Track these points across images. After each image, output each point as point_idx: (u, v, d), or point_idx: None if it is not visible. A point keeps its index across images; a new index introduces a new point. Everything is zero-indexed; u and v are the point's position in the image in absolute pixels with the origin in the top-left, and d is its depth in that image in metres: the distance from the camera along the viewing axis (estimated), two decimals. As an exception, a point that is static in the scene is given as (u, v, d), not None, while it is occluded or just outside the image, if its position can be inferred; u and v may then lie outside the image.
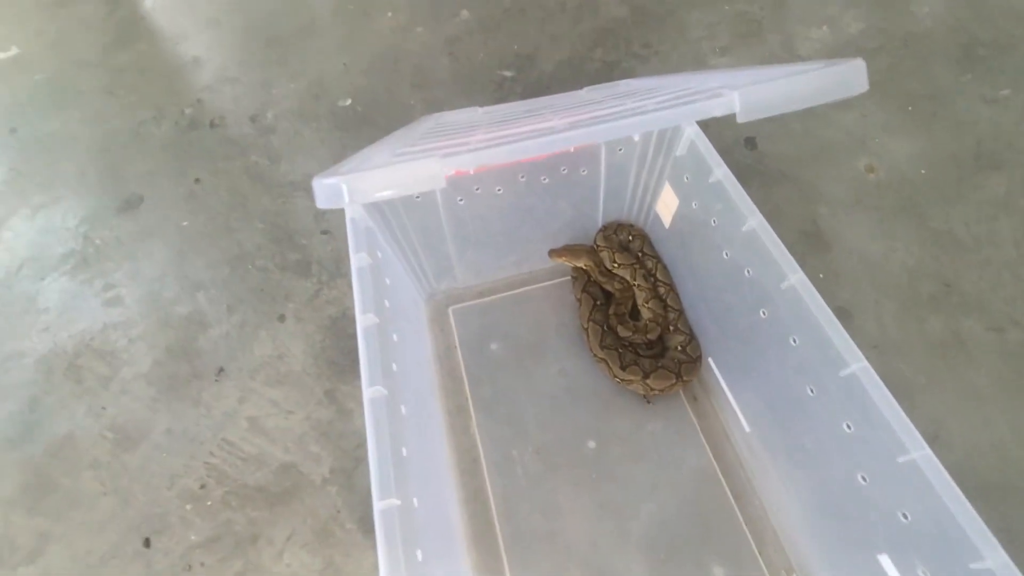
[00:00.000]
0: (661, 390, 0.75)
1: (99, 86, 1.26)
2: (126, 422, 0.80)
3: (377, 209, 0.69)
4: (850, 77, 0.41)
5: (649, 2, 1.31)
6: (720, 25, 1.24)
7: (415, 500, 0.51)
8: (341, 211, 0.78)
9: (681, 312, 0.81)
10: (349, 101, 1.18)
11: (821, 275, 0.87)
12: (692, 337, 0.79)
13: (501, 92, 1.17)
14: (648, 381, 0.74)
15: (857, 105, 1.07)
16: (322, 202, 0.42)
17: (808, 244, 0.91)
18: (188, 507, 0.73)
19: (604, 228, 0.87)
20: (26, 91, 1.26)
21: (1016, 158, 0.98)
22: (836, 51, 1.16)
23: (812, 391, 0.57)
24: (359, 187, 0.41)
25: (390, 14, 1.35)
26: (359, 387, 0.60)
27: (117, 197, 1.06)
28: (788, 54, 1.17)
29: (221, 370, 0.84)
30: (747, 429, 0.70)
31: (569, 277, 0.89)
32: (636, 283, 0.83)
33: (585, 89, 0.88)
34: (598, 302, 0.82)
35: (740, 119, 0.41)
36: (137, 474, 0.76)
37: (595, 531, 0.69)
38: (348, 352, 0.84)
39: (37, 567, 0.70)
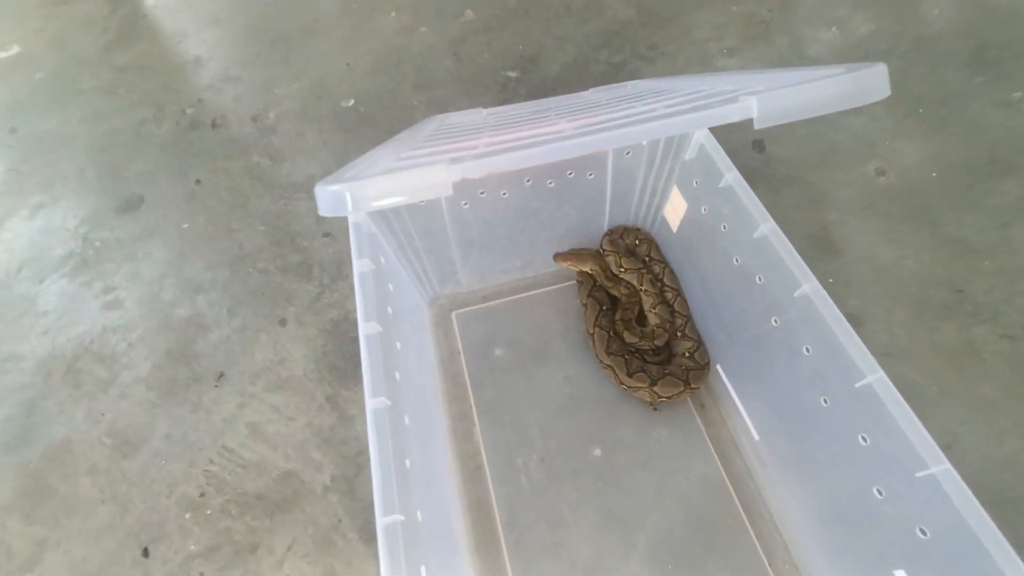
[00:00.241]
0: (668, 397, 0.73)
1: (100, 85, 1.25)
2: (125, 427, 0.79)
3: (380, 213, 0.68)
4: (871, 83, 0.39)
5: (655, 3, 1.29)
6: (727, 26, 1.22)
7: (418, 514, 0.50)
8: (344, 214, 0.76)
9: (689, 318, 0.79)
10: (352, 101, 1.17)
11: (830, 280, 0.86)
12: (700, 343, 0.77)
13: (505, 93, 1.15)
14: (655, 388, 0.73)
15: (866, 108, 1.05)
16: (325, 210, 0.41)
17: (817, 249, 0.89)
18: (187, 515, 0.72)
19: (610, 232, 0.86)
20: (26, 90, 1.25)
21: (1029, 163, 0.96)
22: (845, 53, 1.15)
23: (826, 401, 0.56)
24: (363, 194, 0.40)
25: (394, 14, 1.34)
26: (361, 392, 0.59)
27: (117, 197, 1.05)
28: (796, 56, 1.16)
29: (221, 375, 0.83)
30: (756, 438, 0.69)
31: (575, 281, 0.87)
32: (643, 288, 0.81)
33: (591, 90, 0.87)
34: (604, 307, 0.81)
35: (757, 125, 0.39)
36: (136, 481, 0.75)
37: (600, 541, 0.67)
38: (350, 356, 0.83)
39: (34, 575, 0.69)
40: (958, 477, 0.44)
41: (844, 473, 0.55)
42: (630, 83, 0.90)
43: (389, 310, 0.62)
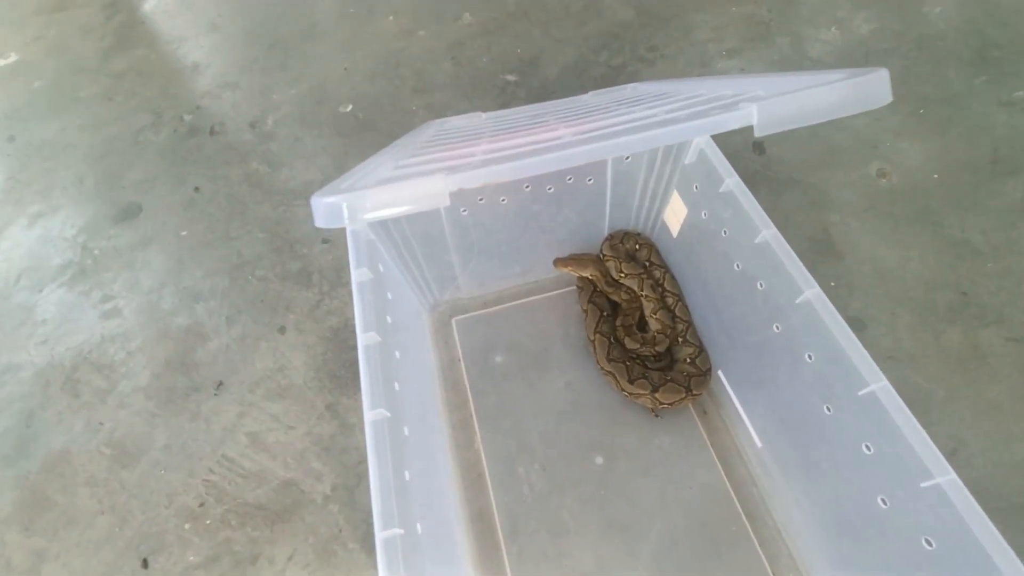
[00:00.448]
0: (670, 404, 0.73)
1: (98, 92, 1.24)
2: (124, 437, 0.78)
3: (378, 221, 0.68)
4: (873, 89, 0.39)
5: (655, 4, 1.29)
6: (727, 27, 1.22)
7: (418, 526, 0.50)
8: (342, 221, 0.76)
9: (690, 323, 0.79)
10: (350, 106, 1.16)
11: (833, 284, 0.85)
12: (701, 349, 0.77)
13: (504, 96, 1.15)
14: (657, 395, 0.72)
15: (868, 108, 1.04)
16: (321, 221, 0.40)
17: (819, 252, 0.88)
18: (187, 526, 0.71)
19: (610, 237, 0.85)
20: (24, 98, 1.25)
21: (1033, 162, 0.95)
22: (846, 53, 1.14)
23: (829, 409, 0.55)
24: (359, 206, 0.39)
25: (392, 18, 1.33)
26: (361, 400, 0.58)
27: (115, 205, 1.04)
28: (798, 56, 1.15)
29: (220, 383, 0.82)
30: (759, 445, 0.68)
31: (575, 287, 0.87)
32: (643, 293, 0.81)
33: (590, 93, 0.86)
34: (605, 313, 0.80)
35: (758, 133, 0.39)
36: (135, 491, 0.74)
37: (603, 550, 0.67)
38: (350, 364, 0.83)
39: (33, 587, 0.69)
40: (964, 487, 0.44)
41: (848, 482, 0.55)
42: (629, 86, 0.89)
43: (388, 319, 0.61)
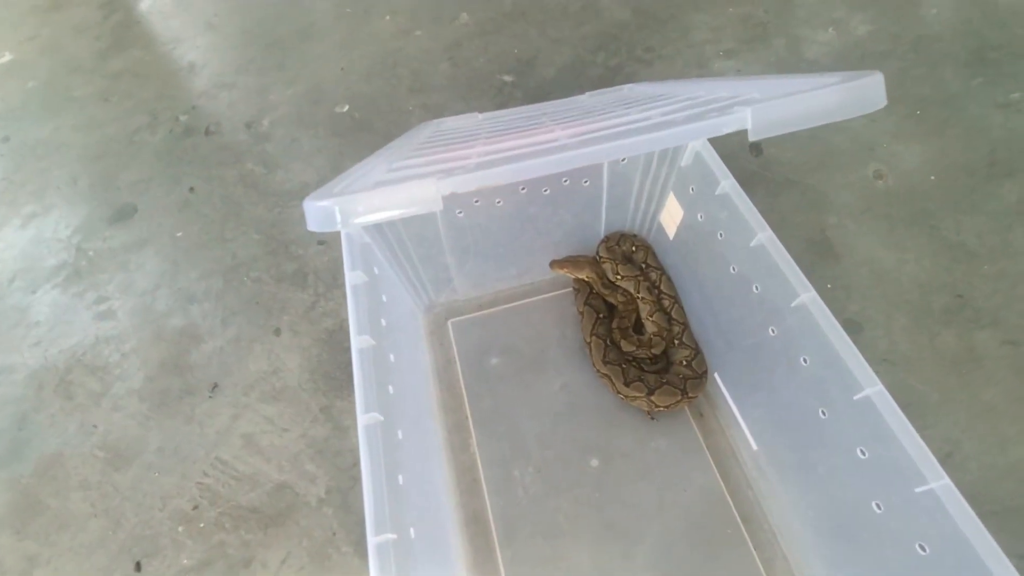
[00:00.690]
0: (666, 406, 0.73)
1: (93, 92, 1.24)
2: (117, 440, 0.78)
3: (372, 224, 0.67)
4: (868, 93, 0.39)
5: (652, 5, 1.29)
6: (724, 28, 1.22)
7: (412, 531, 0.50)
8: (337, 223, 0.75)
9: (686, 326, 0.78)
10: (347, 107, 1.16)
11: (829, 286, 0.85)
12: (697, 351, 0.77)
13: (501, 97, 1.15)
14: (653, 398, 0.72)
15: (865, 110, 1.04)
16: (314, 225, 0.40)
17: (816, 254, 0.88)
18: (180, 529, 0.71)
19: (607, 239, 0.85)
20: (19, 98, 1.24)
21: (1029, 165, 0.95)
22: (843, 54, 1.14)
23: (824, 413, 0.55)
24: (352, 209, 0.39)
25: (388, 18, 1.33)
26: (355, 402, 0.58)
27: (110, 206, 1.04)
28: (794, 58, 1.15)
29: (215, 386, 0.82)
30: (755, 448, 0.68)
31: (571, 289, 0.86)
32: (640, 295, 0.80)
33: (587, 94, 0.86)
34: (601, 315, 0.80)
35: (752, 137, 0.39)
36: (128, 494, 0.74)
37: (599, 554, 0.66)
38: (345, 366, 0.82)
39: (25, 591, 0.68)
40: (958, 493, 0.43)
41: (843, 486, 0.55)
42: (626, 87, 0.89)
43: (383, 322, 0.61)
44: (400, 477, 0.51)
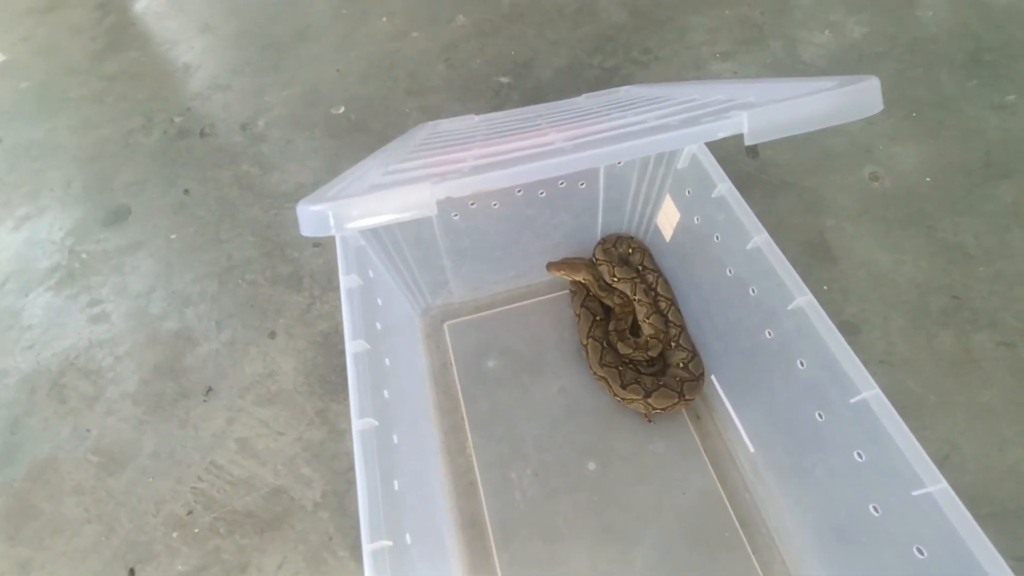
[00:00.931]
0: (663, 409, 0.72)
1: (88, 94, 1.23)
2: (111, 444, 0.77)
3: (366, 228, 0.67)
4: (864, 97, 0.39)
5: (649, 6, 1.29)
6: (721, 30, 1.22)
7: (408, 536, 0.49)
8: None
9: (683, 328, 0.78)
10: (343, 108, 1.15)
11: (826, 287, 0.85)
12: (694, 354, 0.76)
13: (498, 99, 1.14)
14: (650, 400, 0.72)
15: (861, 112, 1.04)
16: (307, 230, 0.39)
17: (813, 256, 0.88)
18: (175, 534, 0.70)
19: (603, 241, 0.85)
20: (12, 99, 1.24)
21: (1025, 166, 0.95)
22: (839, 56, 1.14)
23: (821, 416, 0.55)
24: (346, 214, 0.39)
25: (385, 19, 1.33)
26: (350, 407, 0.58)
27: (104, 208, 1.03)
28: (791, 59, 1.15)
29: (210, 389, 0.81)
30: (752, 450, 0.68)
31: (568, 291, 0.86)
32: (636, 298, 0.80)
33: (583, 96, 0.86)
34: (598, 317, 0.80)
35: (748, 141, 0.38)
36: (122, 499, 0.73)
37: (596, 558, 0.66)
38: (340, 369, 0.82)
39: (18, 598, 0.68)
40: (955, 496, 0.43)
41: (840, 489, 0.54)
42: (623, 89, 0.89)
43: (378, 325, 0.61)
44: (396, 482, 0.51)
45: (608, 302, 0.81)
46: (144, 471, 0.75)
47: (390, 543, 0.44)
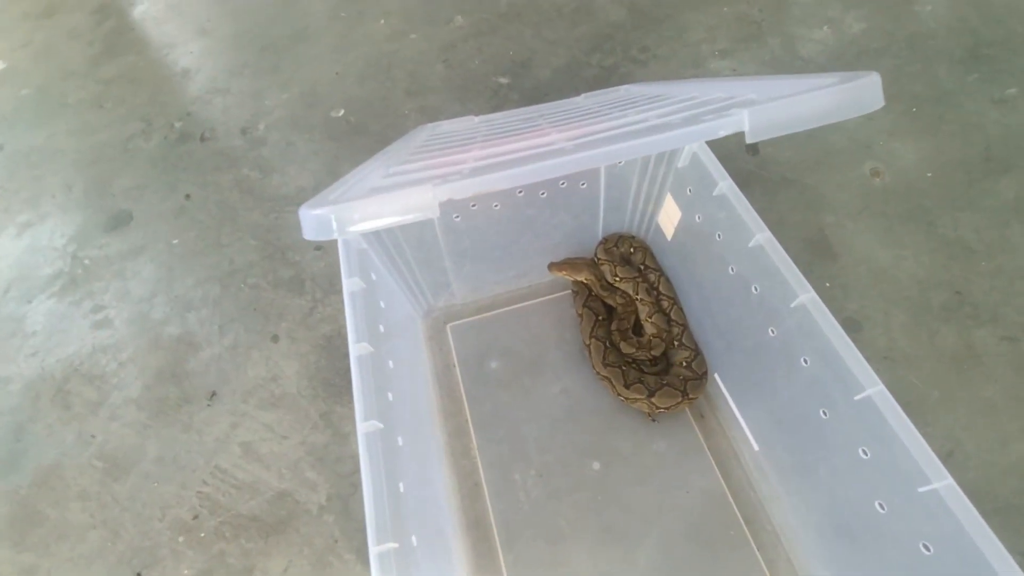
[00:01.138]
0: (666, 408, 0.72)
1: (87, 99, 1.23)
2: (115, 450, 0.78)
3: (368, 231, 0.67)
4: (865, 94, 0.39)
5: (647, 5, 1.28)
6: (719, 28, 1.22)
7: (413, 538, 0.49)
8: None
9: (685, 327, 0.78)
10: (342, 110, 1.15)
11: (828, 284, 0.85)
12: (697, 352, 0.76)
13: (497, 99, 1.14)
14: (653, 399, 0.72)
15: (861, 108, 1.04)
16: (310, 234, 0.39)
17: (814, 253, 0.88)
18: (180, 539, 0.71)
19: (605, 240, 0.85)
20: (12, 105, 1.24)
21: (1025, 160, 0.95)
22: (838, 53, 1.14)
23: (825, 413, 0.55)
24: (348, 217, 0.39)
25: (383, 20, 1.33)
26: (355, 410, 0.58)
27: (105, 214, 1.03)
28: (789, 56, 1.15)
29: (213, 394, 0.81)
30: (756, 448, 0.68)
31: (570, 291, 0.86)
32: (638, 297, 0.80)
33: (583, 95, 0.86)
34: (600, 317, 0.80)
35: (749, 140, 0.38)
36: (127, 504, 0.73)
37: (600, 558, 0.66)
38: (343, 372, 0.82)
39: (24, 604, 0.68)
40: (961, 493, 0.43)
41: (846, 486, 0.54)
42: (623, 88, 0.89)
43: (381, 328, 0.61)
44: (401, 484, 0.51)
45: (610, 302, 0.81)
46: (149, 476, 0.75)
47: (396, 545, 0.44)
